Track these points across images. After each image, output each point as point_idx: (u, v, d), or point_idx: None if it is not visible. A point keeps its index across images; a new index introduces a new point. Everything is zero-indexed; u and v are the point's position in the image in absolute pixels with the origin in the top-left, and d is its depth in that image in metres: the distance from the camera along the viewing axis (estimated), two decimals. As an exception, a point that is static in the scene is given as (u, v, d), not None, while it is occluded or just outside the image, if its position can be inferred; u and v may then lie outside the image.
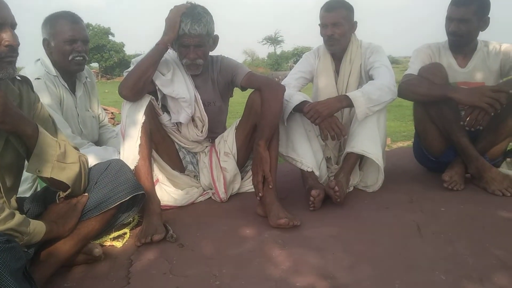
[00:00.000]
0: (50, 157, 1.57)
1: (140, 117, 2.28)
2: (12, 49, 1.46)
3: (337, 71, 2.81)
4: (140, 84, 2.27)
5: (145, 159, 2.29)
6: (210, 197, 2.66)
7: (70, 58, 2.48)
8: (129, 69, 2.36)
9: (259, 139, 2.29)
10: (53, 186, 1.69)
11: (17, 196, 1.70)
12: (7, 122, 1.44)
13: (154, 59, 2.31)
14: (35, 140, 1.53)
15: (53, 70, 2.48)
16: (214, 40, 2.46)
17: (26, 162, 1.63)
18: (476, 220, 2.14)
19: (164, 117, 2.49)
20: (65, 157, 1.63)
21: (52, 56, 2.49)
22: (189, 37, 2.30)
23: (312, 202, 2.34)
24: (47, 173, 1.56)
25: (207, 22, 2.32)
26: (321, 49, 2.85)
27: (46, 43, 2.48)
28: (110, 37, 41.85)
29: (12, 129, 1.49)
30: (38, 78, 2.35)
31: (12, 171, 1.60)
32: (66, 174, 1.63)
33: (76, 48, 2.49)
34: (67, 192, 1.69)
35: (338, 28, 2.65)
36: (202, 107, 2.51)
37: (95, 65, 41.51)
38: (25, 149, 1.58)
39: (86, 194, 1.77)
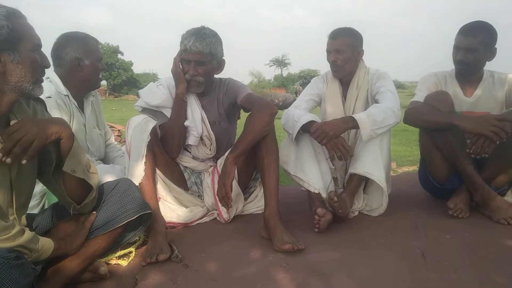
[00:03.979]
0: (82, 161, 1.67)
1: (146, 136, 2.34)
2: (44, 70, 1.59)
3: (344, 96, 2.86)
4: (181, 141, 2.56)
5: (149, 178, 2.33)
6: (215, 218, 2.67)
7: (100, 75, 2.62)
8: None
9: (229, 153, 2.37)
10: (70, 196, 1.71)
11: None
12: (52, 131, 1.53)
13: (179, 114, 2.50)
14: (72, 142, 1.62)
15: (63, 89, 2.50)
16: (220, 63, 2.53)
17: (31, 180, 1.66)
18: (480, 248, 2.14)
19: None
20: (90, 166, 1.72)
21: (82, 73, 2.52)
22: (189, 53, 2.38)
23: (317, 221, 2.34)
24: (80, 174, 1.65)
25: (211, 43, 2.39)
26: (329, 74, 2.91)
27: (77, 62, 2.49)
28: (119, 56, 42.29)
29: (58, 135, 1.56)
30: (49, 97, 2.37)
31: (25, 188, 1.64)
32: (92, 181, 1.71)
33: (102, 66, 2.63)
34: (92, 197, 1.75)
35: (340, 55, 2.73)
36: (209, 126, 2.58)
37: (103, 83, 41.92)
38: (57, 155, 1.64)
39: (94, 212, 1.81)
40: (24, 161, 1.47)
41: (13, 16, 1.46)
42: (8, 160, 1.45)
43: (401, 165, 5.29)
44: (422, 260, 2.02)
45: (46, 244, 1.54)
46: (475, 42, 2.62)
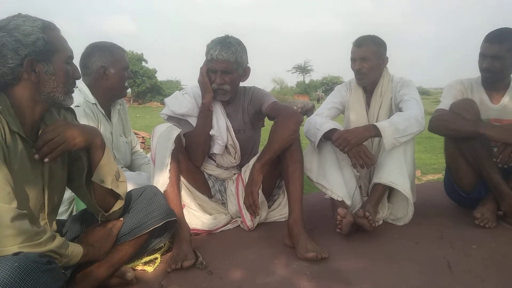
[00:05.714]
0: (111, 171, 1.71)
1: (170, 144, 2.37)
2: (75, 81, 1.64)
3: (368, 104, 2.86)
4: (206, 150, 2.59)
5: (174, 185, 2.35)
6: (239, 225, 2.69)
7: (126, 84, 2.66)
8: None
9: (256, 162, 2.41)
10: (99, 204, 1.75)
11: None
12: (81, 139, 1.59)
13: (205, 123, 2.52)
14: (103, 151, 1.67)
15: (91, 98, 2.55)
16: (245, 71, 2.56)
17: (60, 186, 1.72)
18: (508, 259, 2.11)
19: None
20: (120, 175, 1.76)
21: (107, 82, 2.57)
22: (216, 62, 2.41)
23: (339, 222, 2.33)
24: (108, 184, 1.69)
25: (236, 51, 2.42)
26: (353, 82, 2.91)
27: (102, 70, 2.54)
28: (143, 63, 42.74)
29: (87, 142, 1.62)
30: (78, 106, 2.42)
31: (56, 194, 1.69)
32: (121, 190, 1.75)
33: (128, 75, 2.66)
34: (120, 206, 1.79)
35: (366, 63, 2.73)
36: (234, 134, 2.60)
37: (127, 90, 42.24)
38: (88, 163, 1.69)
39: (121, 219, 1.84)
40: (46, 160, 1.53)
41: (48, 28, 1.52)
42: (36, 156, 1.52)
43: (426, 173, 5.22)
44: (448, 270, 2.00)
45: (76, 250, 1.57)
46: (502, 50, 2.58)
